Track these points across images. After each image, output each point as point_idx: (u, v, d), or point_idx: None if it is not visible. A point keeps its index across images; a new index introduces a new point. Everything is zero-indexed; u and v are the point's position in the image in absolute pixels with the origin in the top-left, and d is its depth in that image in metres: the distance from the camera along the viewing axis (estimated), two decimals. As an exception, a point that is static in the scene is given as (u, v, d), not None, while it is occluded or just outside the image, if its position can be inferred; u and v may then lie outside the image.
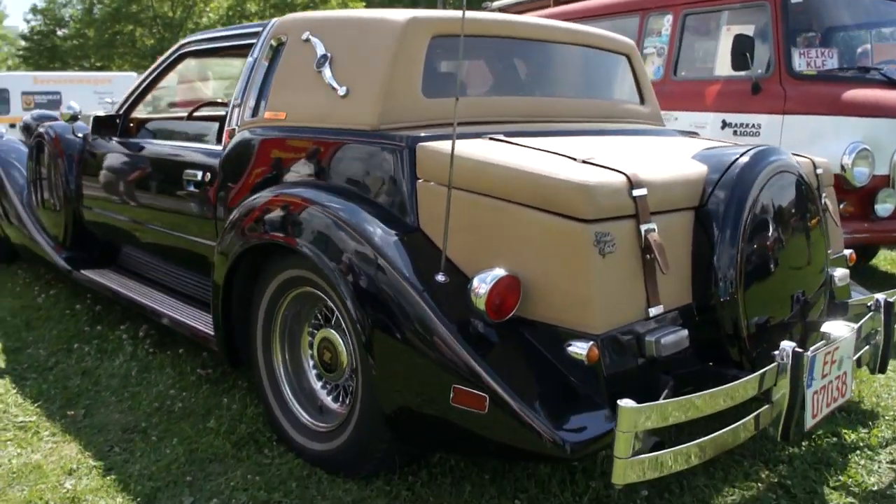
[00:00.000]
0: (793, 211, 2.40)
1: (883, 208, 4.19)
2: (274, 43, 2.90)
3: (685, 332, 2.06)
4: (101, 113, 3.73)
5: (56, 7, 30.39)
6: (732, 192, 2.20)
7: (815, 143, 4.17)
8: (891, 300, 2.55)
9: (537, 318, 1.99)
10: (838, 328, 2.30)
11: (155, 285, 3.59)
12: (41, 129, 4.20)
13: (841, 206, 4.13)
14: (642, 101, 3.35)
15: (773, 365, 2.03)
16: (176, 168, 3.21)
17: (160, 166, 3.35)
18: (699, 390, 1.92)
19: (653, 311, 2.04)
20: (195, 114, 4.02)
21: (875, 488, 2.39)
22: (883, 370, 2.61)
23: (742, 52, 4.34)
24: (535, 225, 1.99)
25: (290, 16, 2.99)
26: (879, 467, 2.53)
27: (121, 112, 3.68)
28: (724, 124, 4.59)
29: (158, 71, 3.61)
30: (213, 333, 2.79)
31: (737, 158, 2.28)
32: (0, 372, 3.21)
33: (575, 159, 2.11)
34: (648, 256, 2.01)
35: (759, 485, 2.38)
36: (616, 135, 2.82)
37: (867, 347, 2.58)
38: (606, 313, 1.93)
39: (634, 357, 1.99)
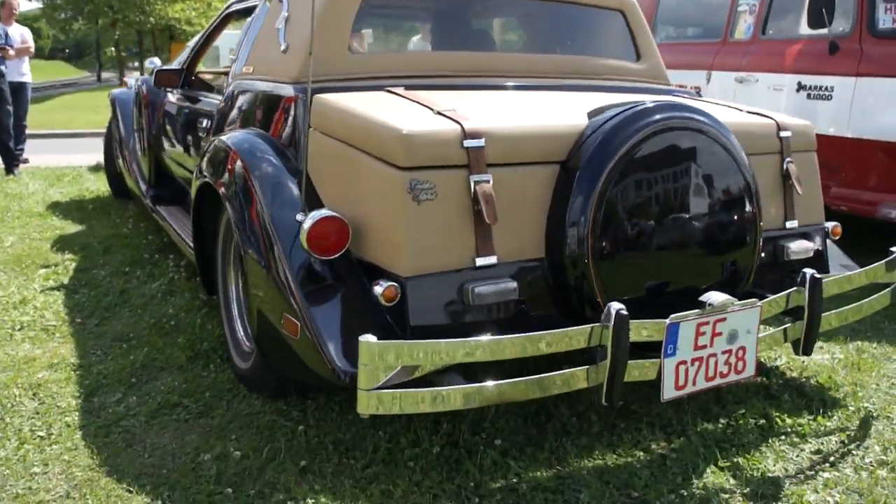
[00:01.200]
0: (686, 172, 2.30)
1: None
2: (267, 4, 3.23)
3: (512, 284, 2.12)
4: (164, 67, 4.29)
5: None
6: (595, 149, 2.18)
7: (890, 109, 3.81)
8: (818, 276, 2.39)
9: (367, 258, 2.17)
10: (717, 298, 2.20)
11: None
12: (138, 82, 4.87)
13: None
14: (638, 57, 3.30)
15: (591, 325, 2.03)
16: (203, 116, 3.66)
17: (193, 114, 3.82)
18: None
19: (481, 261, 2.11)
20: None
21: (775, 474, 2.28)
22: (807, 352, 2.46)
23: (818, 7, 4.01)
24: (368, 170, 2.16)
25: None
26: (798, 456, 2.40)
27: (183, 66, 4.21)
28: (800, 86, 4.27)
29: (212, 29, 4.09)
30: None
31: (617, 113, 2.25)
32: (61, 286, 3.88)
33: (432, 110, 2.21)
34: (478, 207, 2.07)
35: (641, 454, 2.37)
36: (548, 90, 2.86)
37: (790, 325, 2.45)
38: (417, 258, 2.05)
39: (452, 302, 2.09)
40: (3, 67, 7.77)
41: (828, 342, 3.29)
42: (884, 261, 2.68)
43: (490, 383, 1.94)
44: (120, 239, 4.73)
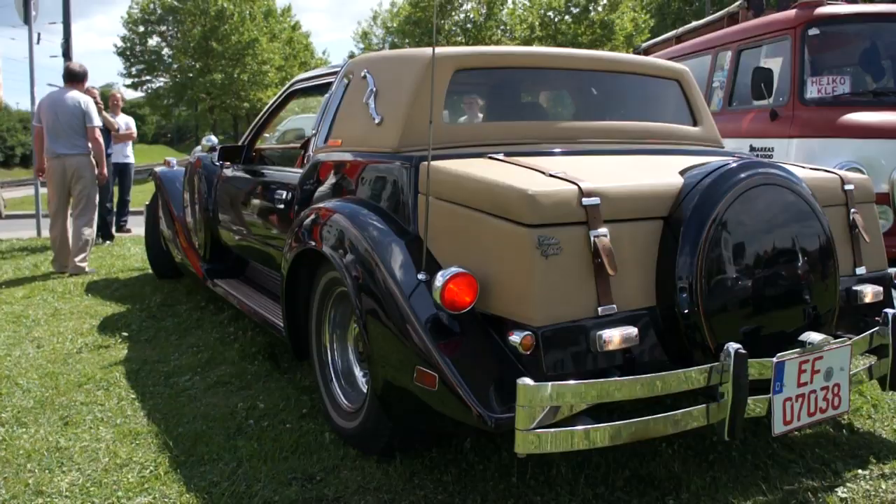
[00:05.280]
0: (775, 223, 2.56)
1: (877, 225, 4.64)
2: (345, 80, 3.59)
3: (633, 330, 2.32)
4: (226, 144, 4.79)
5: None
6: (696, 204, 2.43)
7: (814, 164, 4.80)
8: None
9: (494, 312, 2.38)
10: (815, 337, 2.46)
11: (266, 293, 4.50)
12: (190, 159, 5.38)
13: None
14: (695, 122, 3.71)
15: (711, 364, 2.29)
16: (272, 189, 4.05)
17: (263, 188, 4.23)
18: None
19: (603, 310, 2.32)
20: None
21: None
22: (894, 387, 2.74)
23: (759, 82, 5.07)
24: (492, 229, 2.38)
25: (358, 56, 3.69)
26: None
27: (245, 143, 4.72)
28: (751, 149, 5.31)
29: (273, 107, 4.65)
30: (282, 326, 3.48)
31: (710, 172, 2.52)
32: (153, 316, 5.27)
33: (544, 173, 2.48)
34: (598, 260, 2.30)
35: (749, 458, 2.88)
36: (628, 154, 3.24)
37: (874, 362, 2.75)
38: (547, 308, 2.26)
39: (580, 349, 2.29)
40: (109, 150, 9.56)
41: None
42: None
43: (633, 420, 2.18)
44: (200, 286, 6.13)
